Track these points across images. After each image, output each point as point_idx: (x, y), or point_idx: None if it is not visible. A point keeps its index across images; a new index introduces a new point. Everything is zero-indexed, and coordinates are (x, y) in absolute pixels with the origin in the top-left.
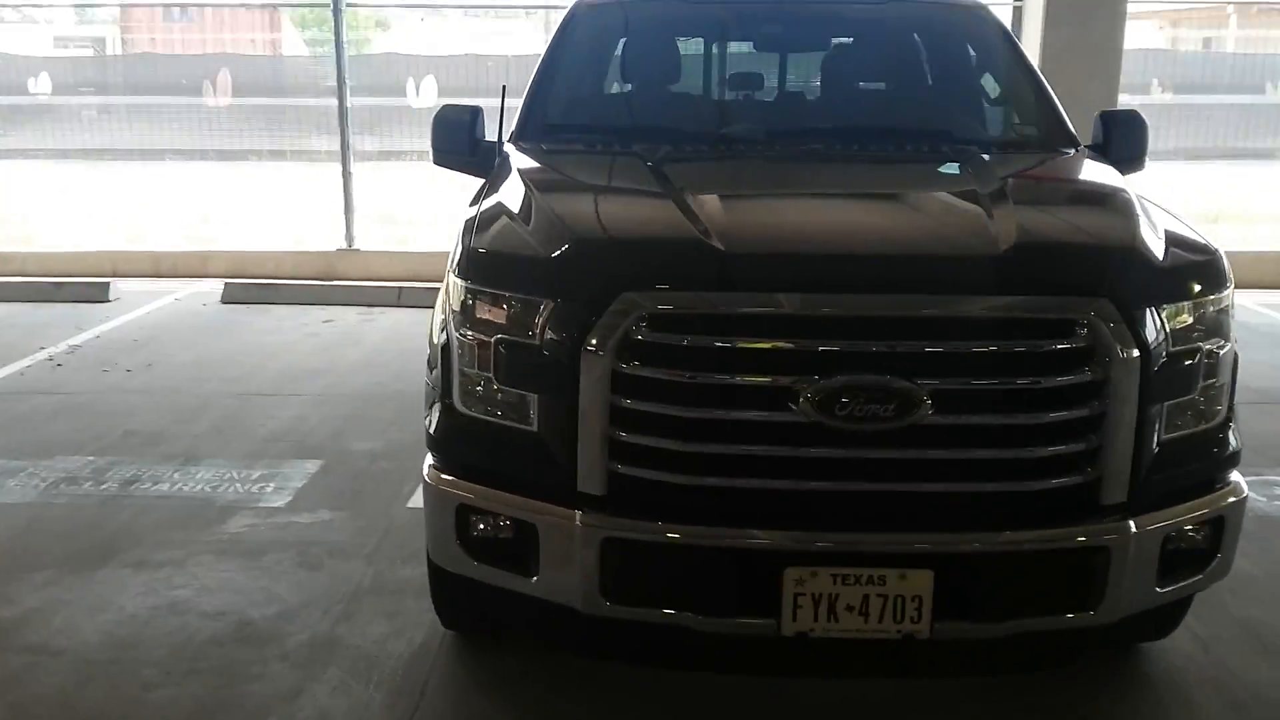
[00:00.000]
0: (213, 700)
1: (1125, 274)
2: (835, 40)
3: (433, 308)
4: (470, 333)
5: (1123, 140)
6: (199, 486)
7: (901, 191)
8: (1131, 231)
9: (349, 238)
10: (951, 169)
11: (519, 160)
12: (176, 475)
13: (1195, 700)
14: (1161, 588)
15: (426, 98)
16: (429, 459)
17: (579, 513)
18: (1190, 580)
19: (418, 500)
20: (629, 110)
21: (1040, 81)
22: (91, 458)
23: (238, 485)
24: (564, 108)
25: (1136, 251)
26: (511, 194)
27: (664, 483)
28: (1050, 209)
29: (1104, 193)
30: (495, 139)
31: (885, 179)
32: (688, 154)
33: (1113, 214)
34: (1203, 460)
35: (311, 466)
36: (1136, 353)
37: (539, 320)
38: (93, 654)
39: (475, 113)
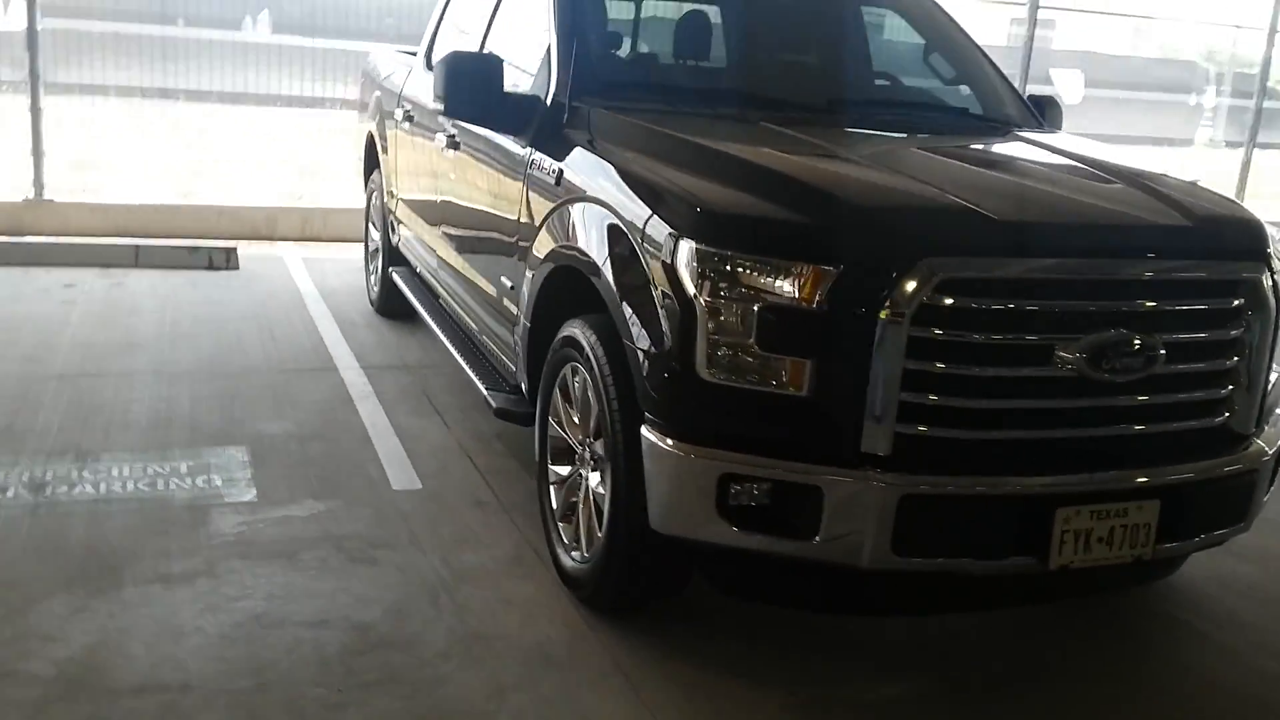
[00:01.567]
0: (419, 711)
1: (1267, 241)
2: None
3: (172, 267)
4: (725, 300)
5: (1051, 121)
6: (131, 485)
7: (1040, 163)
8: (1240, 203)
9: (38, 186)
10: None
11: (636, 120)
12: (89, 475)
13: None
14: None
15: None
16: (654, 433)
17: (875, 472)
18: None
19: (400, 482)
20: (689, 72)
21: (993, 62)
22: None
23: (177, 480)
24: (619, 67)
25: (1260, 221)
26: (688, 155)
27: (945, 439)
28: (1152, 183)
29: (1163, 171)
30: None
31: (1001, 150)
32: (799, 120)
33: (1201, 189)
34: None
35: (239, 454)
36: (1274, 307)
37: (821, 286)
38: (225, 683)
39: (498, 63)
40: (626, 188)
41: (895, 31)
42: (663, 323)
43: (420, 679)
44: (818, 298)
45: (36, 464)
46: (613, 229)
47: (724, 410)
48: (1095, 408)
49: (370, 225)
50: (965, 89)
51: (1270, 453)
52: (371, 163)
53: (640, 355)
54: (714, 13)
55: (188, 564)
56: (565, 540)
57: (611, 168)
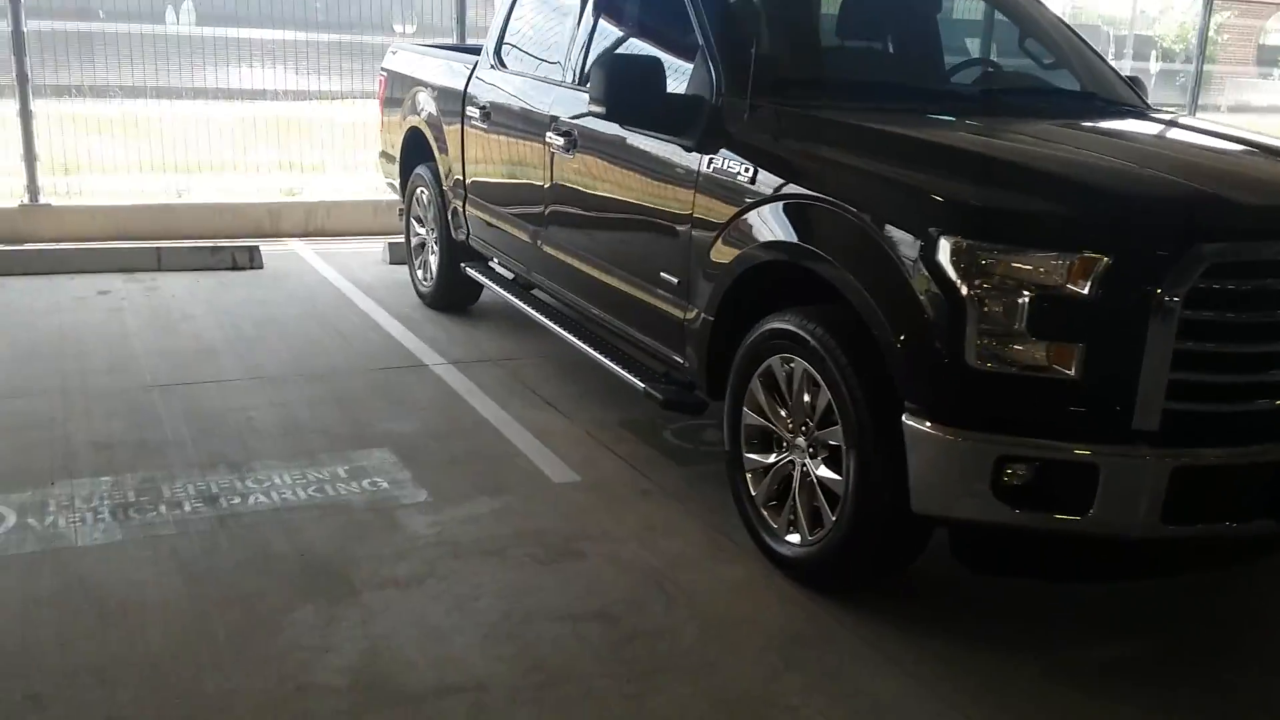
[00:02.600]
0: (715, 696)
1: None
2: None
3: (196, 269)
4: (993, 291)
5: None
6: (301, 493)
7: (1215, 145)
8: None
9: (32, 190)
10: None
11: (834, 118)
12: (254, 485)
13: None
14: None
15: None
16: (920, 420)
17: (1147, 448)
18: None
19: (559, 475)
20: (848, 64)
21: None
22: (108, 478)
23: (343, 485)
24: (785, 63)
25: None
26: (912, 150)
27: (1208, 413)
28: None
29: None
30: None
31: (1172, 134)
32: (973, 110)
33: None
34: None
35: (387, 456)
36: None
37: (1092, 275)
38: (517, 680)
39: (660, 66)
40: (861, 185)
41: (973, 15)
42: (926, 315)
43: (692, 665)
44: (1088, 285)
45: (194, 477)
46: (848, 225)
47: (995, 395)
48: None
49: (412, 220)
50: (1074, 72)
51: None
52: (413, 159)
53: (899, 347)
54: (866, 7)
55: (408, 567)
56: (774, 525)
57: (834, 166)
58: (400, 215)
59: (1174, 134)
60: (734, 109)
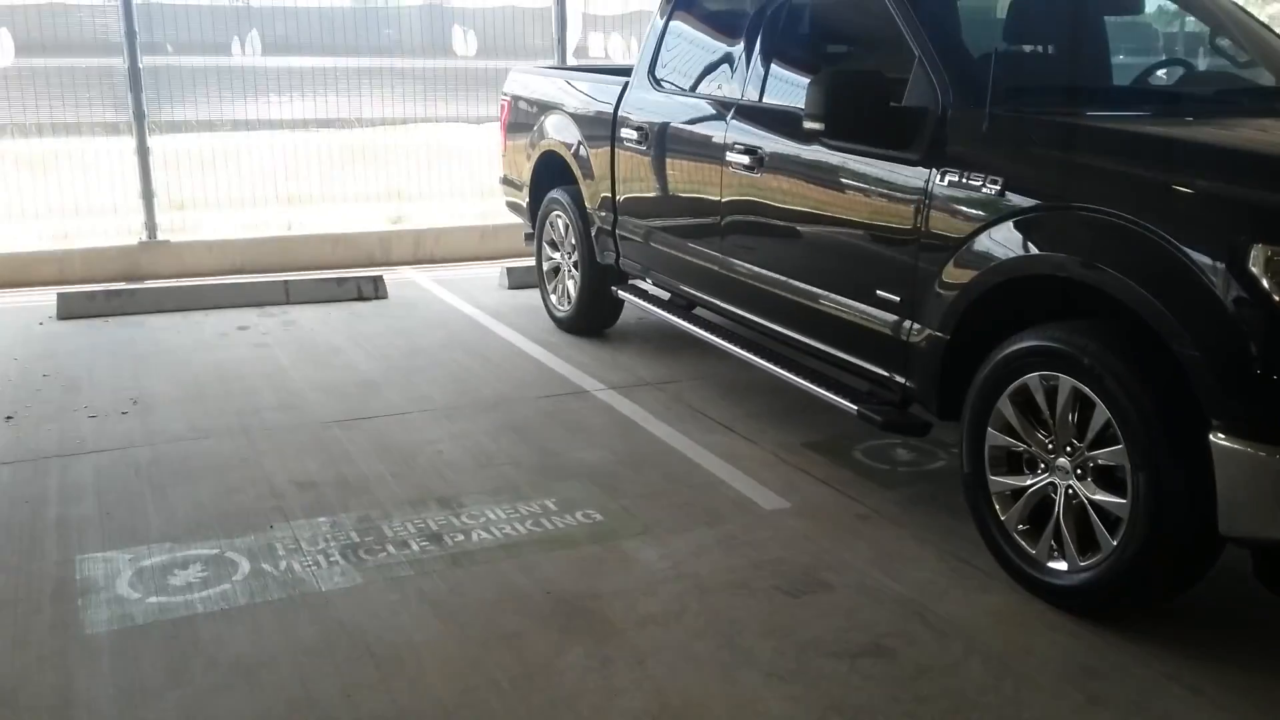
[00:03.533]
0: None
1: None
2: None
3: (323, 300)
4: None
5: None
6: (521, 528)
7: None
8: None
9: (150, 227)
10: None
11: (1091, 124)
12: (470, 521)
13: None
14: None
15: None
16: (1233, 437)
17: None
18: None
19: (768, 502)
20: (1066, 69)
21: None
22: (324, 519)
23: (558, 518)
24: (1016, 69)
25: None
26: (1190, 157)
27: None
28: None
29: None
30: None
31: None
32: (1208, 112)
33: None
34: None
35: (588, 487)
36: None
37: None
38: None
39: (884, 79)
40: (1149, 195)
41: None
42: (1237, 328)
43: (995, 702)
44: None
45: (409, 515)
46: (1136, 236)
47: None
48: None
49: (545, 245)
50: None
51: None
52: (546, 184)
53: (1206, 362)
54: (1070, 12)
55: (660, 603)
56: (1032, 551)
57: (1110, 175)
58: (527, 240)
59: None
60: (967, 119)
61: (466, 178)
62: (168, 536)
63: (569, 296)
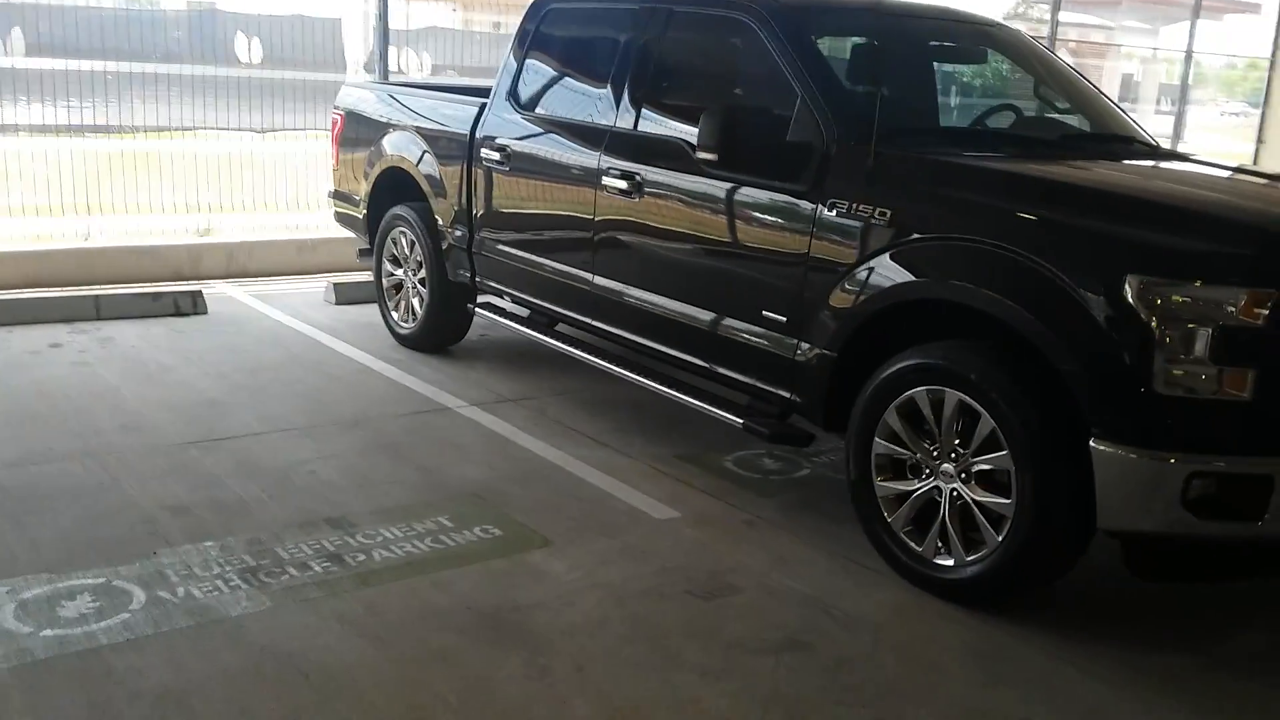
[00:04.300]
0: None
1: None
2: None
3: (137, 316)
4: (1177, 324)
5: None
6: (423, 545)
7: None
8: None
9: None
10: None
11: (974, 164)
12: (366, 540)
13: None
14: None
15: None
16: (1111, 443)
17: None
18: None
19: (658, 511)
20: (931, 113)
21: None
22: (210, 543)
23: (458, 535)
24: (895, 111)
25: None
26: (1064, 195)
27: None
28: None
29: None
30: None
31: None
32: (1062, 155)
33: None
34: None
35: (479, 504)
36: None
37: (1263, 305)
38: (765, 715)
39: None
40: (1037, 230)
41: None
42: (1114, 348)
43: (911, 687)
44: (1261, 316)
45: (300, 537)
46: (1024, 267)
47: (1181, 418)
48: None
49: (386, 261)
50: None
51: None
52: (387, 200)
53: (1088, 378)
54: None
55: (581, 612)
56: (919, 549)
57: (1000, 212)
58: (362, 256)
59: (1227, 174)
60: (853, 154)
61: (276, 189)
62: (41, 567)
63: (413, 313)
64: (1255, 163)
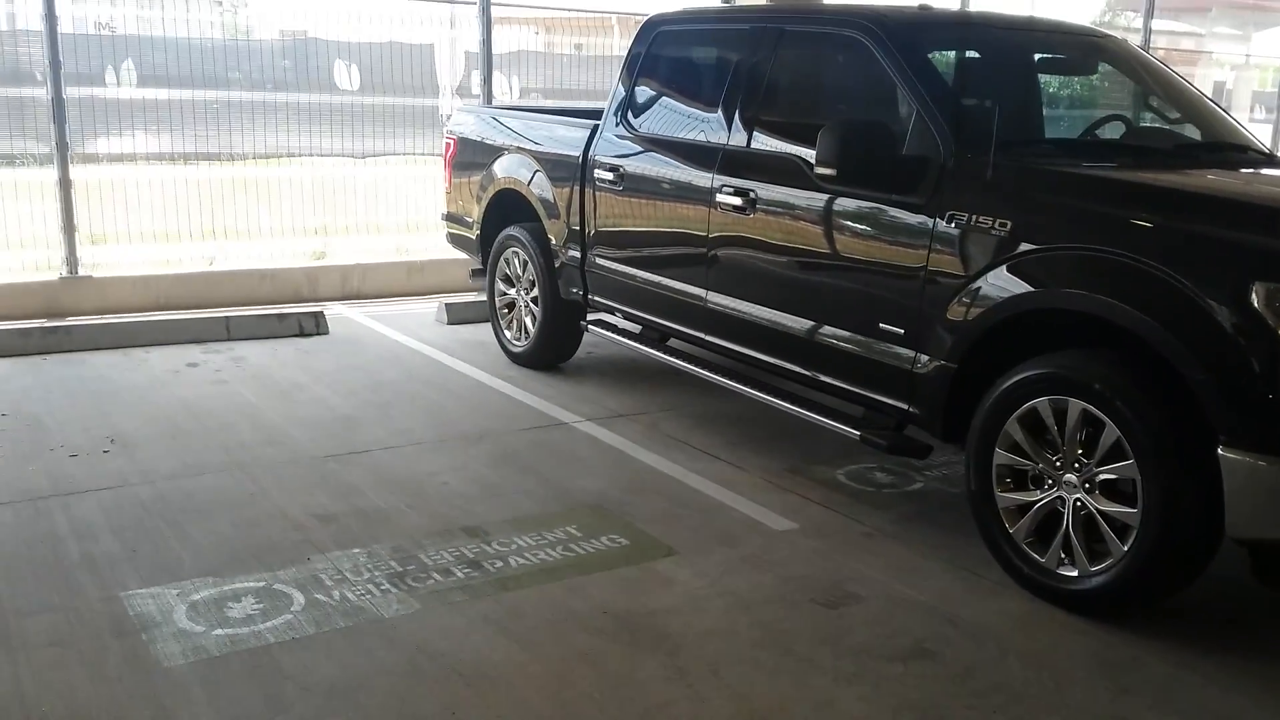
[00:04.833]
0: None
1: None
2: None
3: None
4: None
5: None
6: (554, 553)
7: None
8: None
9: (71, 262)
10: None
11: (1094, 174)
12: (501, 548)
13: None
14: None
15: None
16: (1240, 451)
17: None
18: None
19: (777, 524)
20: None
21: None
22: (358, 549)
23: (586, 544)
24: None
25: None
26: (1187, 203)
27: None
28: None
29: None
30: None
31: None
32: (1177, 164)
33: None
34: None
35: (603, 513)
36: None
37: None
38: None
39: (887, 129)
40: (1159, 238)
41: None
42: (1242, 355)
43: (1039, 693)
44: None
45: (440, 544)
46: (1149, 276)
47: None
48: None
49: (498, 281)
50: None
51: None
52: (500, 221)
53: (1215, 386)
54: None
55: (712, 618)
56: (1042, 560)
57: (1120, 222)
58: (474, 276)
59: None
60: (971, 167)
61: (385, 213)
62: (206, 571)
63: (526, 331)
64: None
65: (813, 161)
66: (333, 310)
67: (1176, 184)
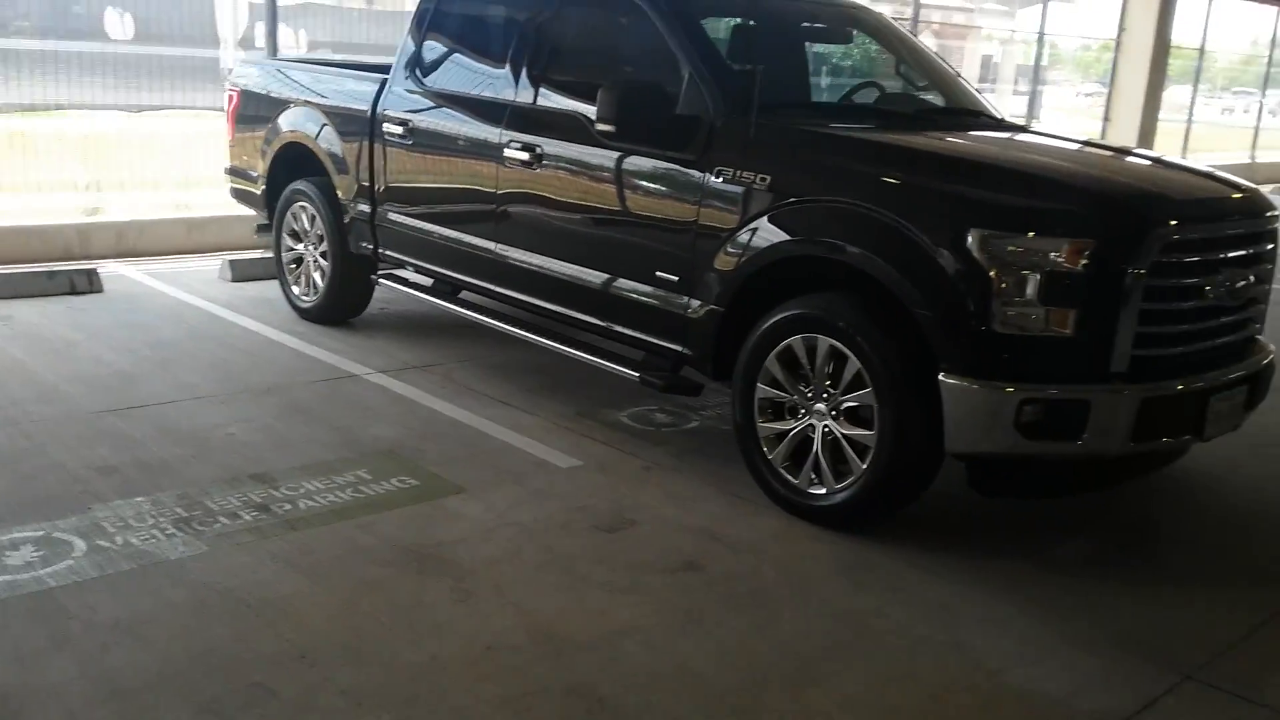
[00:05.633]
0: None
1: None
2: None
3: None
4: (1012, 271)
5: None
6: (345, 495)
7: (1103, 152)
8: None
9: None
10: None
11: (840, 133)
12: (291, 492)
13: None
14: None
15: None
16: (958, 377)
17: (1123, 385)
18: None
19: (563, 461)
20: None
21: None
22: (142, 498)
23: (377, 486)
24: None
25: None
26: (921, 160)
27: (1158, 355)
28: (1174, 162)
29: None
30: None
31: (1069, 145)
32: (930, 126)
33: (1192, 164)
34: None
35: (394, 458)
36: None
37: (1083, 254)
38: (667, 620)
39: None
40: (895, 191)
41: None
42: (959, 293)
43: (788, 594)
44: (1081, 262)
45: (228, 491)
46: (884, 225)
47: (1014, 353)
48: (1226, 323)
49: (285, 236)
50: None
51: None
52: (286, 176)
53: (937, 320)
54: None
55: (499, 545)
56: (795, 481)
57: (864, 176)
58: (260, 231)
59: (1071, 144)
60: (737, 126)
61: (163, 169)
62: None
63: (315, 286)
64: (1103, 139)
65: (594, 118)
66: (108, 268)
67: (913, 144)
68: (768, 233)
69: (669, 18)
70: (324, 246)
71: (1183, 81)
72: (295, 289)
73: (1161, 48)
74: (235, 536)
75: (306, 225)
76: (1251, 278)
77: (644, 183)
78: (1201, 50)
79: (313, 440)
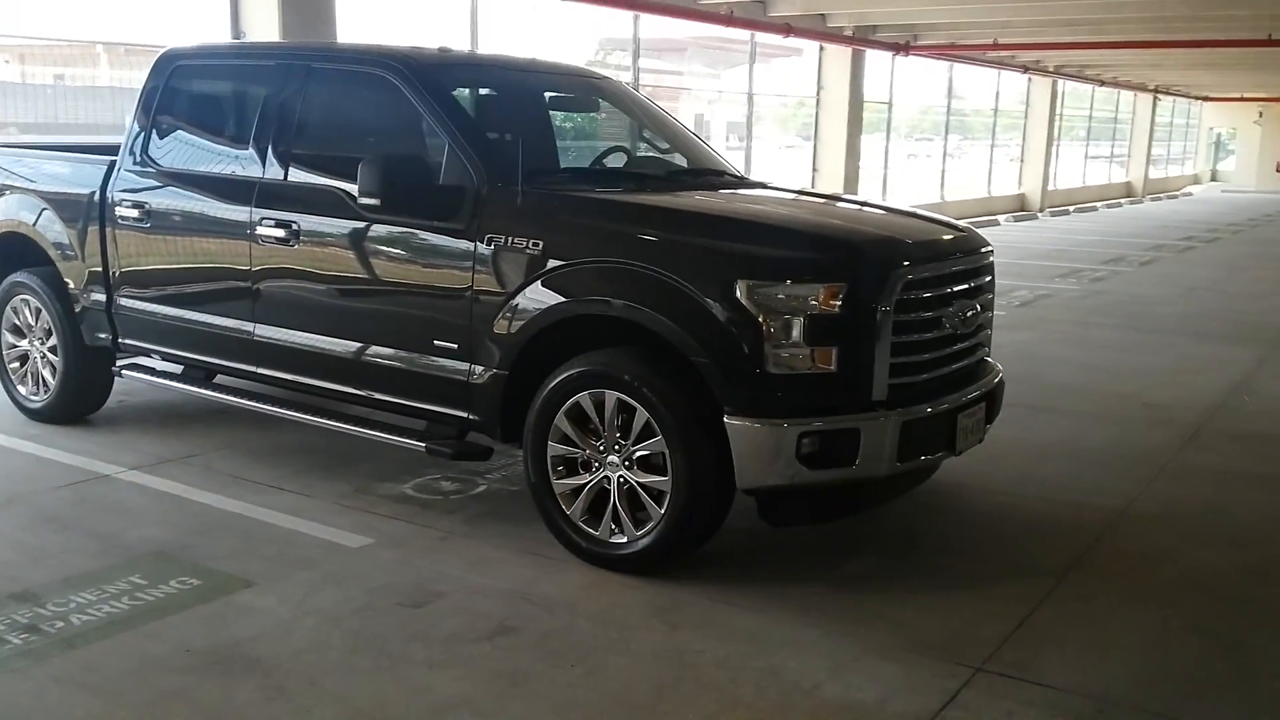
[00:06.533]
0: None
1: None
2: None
3: None
4: (777, 316)
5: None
6: (122, 604)
7: (845, 204)
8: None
9: None
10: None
11: (604, 197)
12: (59, 608)
13: None
14: None
15: None
16: (740, 417)
17: (884, 412)
18: None
19: (353, 541)
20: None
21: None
22: None
23: (155, 591)
24: (531, 154)
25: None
26: (685, 220)
27: (909, 383)
28: (904, 210)
29: (886, 201)
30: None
31: (814, 199)
32: (681, 188)
33: (921, 211)
34: None
35: (167, 560)
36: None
37: (837, 297)
38: (494, 688)
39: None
40: (663, 249)
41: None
42: (733, 340)
43: (607, 643)
44: (836, 304)
45: None
46: (657, 281)
47: (787, 390)
48: (962, 349)
49: (5, 333)
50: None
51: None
52: (1, 269)
53: (715, 367)
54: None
55: (304, 637)
56: (595, 533)
57: (629, 237)
58: None
59: (808, 198)
60: (503, 194)
61: None
62: None
63: (45, 384)
64: (813, 187)
65: (354, 193)
66: None
67: (674, 204)
68: (543, 295)
69: (422, 91)
70: (53, 340)
71: (873, 132)
72: (21, 389)
73: (856, 103)
74: (8, 663)
75: (30, 319)
76: (978, 306)
77: (413, 254)
78: (890, 103)
79: (72, 550)
